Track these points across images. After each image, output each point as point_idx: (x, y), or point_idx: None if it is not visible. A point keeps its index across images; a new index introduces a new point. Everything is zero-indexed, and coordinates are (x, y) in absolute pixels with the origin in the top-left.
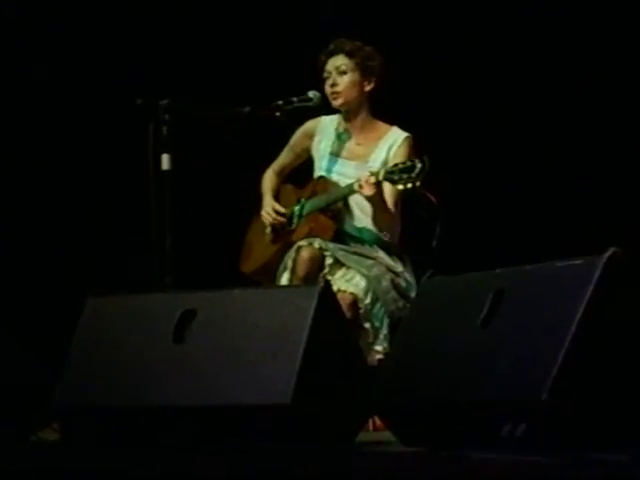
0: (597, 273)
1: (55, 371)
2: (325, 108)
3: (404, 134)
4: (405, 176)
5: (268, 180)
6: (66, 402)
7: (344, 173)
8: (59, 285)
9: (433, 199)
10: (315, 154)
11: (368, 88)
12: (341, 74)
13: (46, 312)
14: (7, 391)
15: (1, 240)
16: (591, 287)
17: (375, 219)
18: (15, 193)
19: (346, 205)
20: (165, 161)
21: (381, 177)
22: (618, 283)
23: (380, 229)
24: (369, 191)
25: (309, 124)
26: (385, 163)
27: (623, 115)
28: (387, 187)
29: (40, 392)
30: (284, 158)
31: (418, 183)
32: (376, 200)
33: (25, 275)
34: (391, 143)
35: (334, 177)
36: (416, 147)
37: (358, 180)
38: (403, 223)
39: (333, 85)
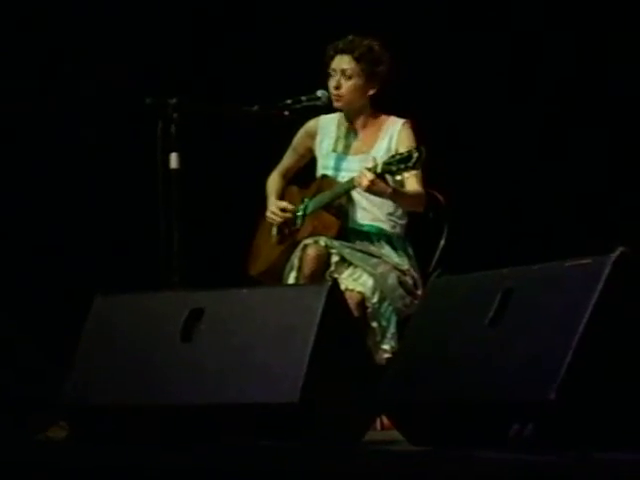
0: (606, 272)
1: (63, 369)
2: (333, 107)
3: (401, 120)
4: (402, 166)
5: (272, 183)
6: (74, 400)
7: (351, 169)
8: (66, 283)
9: (441, 198)
10: (318, 153)
11: (371, 92)
12: (346, 78)
13: (54, 311)
14: (15, 389)
15: (11, 238)
16: (600, 287)
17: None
18: (25, 192)
19: (351, 201)
20: (173, 160)
21: (379, 170)
22: (626, 282)
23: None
24: (366, 185)
25: (309, 124)
26: (389, 150)
27: (632, 113)
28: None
29: (48, 390)
30: (288, 160)
31: (415, 172)
32: (381, 190)
33: (33, 274)
34: (392, 132)
35: (342, 175)
36: (415, 129)
37: (357, 175)
38: (410, 223)
39: (337, 87)
